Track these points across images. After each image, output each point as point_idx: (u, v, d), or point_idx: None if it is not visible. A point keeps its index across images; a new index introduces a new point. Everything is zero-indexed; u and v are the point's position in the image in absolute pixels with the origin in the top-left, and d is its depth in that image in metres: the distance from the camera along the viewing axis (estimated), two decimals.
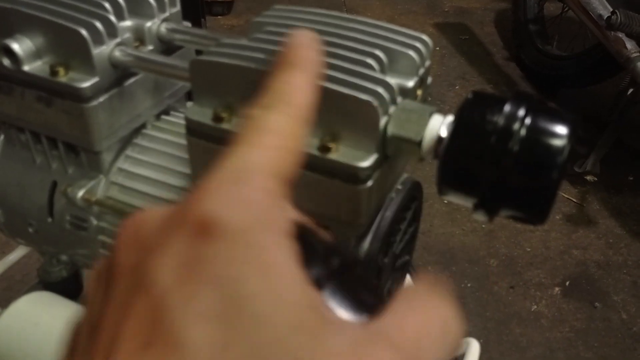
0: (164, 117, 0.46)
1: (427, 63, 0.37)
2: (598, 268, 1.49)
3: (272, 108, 0.22)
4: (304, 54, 0.25)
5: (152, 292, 0.17)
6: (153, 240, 0.18)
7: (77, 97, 0.38)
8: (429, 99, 0.40)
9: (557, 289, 1.43)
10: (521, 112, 0.29)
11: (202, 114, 0.34)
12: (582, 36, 1.96)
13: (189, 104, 0.47)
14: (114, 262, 0.19)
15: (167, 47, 0.44)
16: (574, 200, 1.69)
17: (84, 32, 0.37)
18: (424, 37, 0.37)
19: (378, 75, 0.32)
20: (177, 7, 0.44)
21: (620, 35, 1.54)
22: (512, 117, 0.29)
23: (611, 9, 1.57)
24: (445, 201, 1.57)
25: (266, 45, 0.34)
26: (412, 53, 0.35)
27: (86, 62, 0.38)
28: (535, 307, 1.38)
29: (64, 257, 0.50)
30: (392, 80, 0.34)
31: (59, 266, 0.53)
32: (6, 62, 0.39)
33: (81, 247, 0.46)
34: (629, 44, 1.53)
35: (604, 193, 1.71)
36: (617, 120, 1.65)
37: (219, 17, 2.74)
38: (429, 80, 0.38)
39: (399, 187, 0.40)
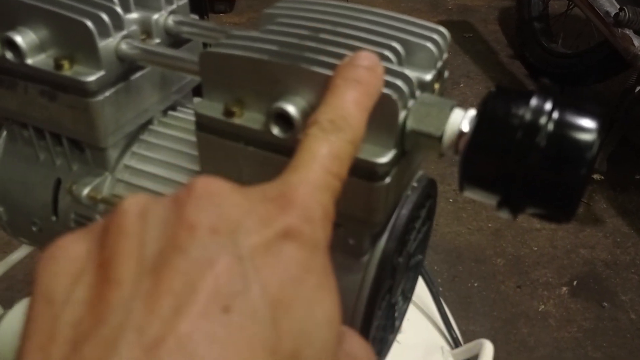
0: (170, 112, 0.45)
1: (445, 56, 0.36)
2: (606, 267, 1.48)
3: (332, 132, 0.24)
4: (369, 76, 0.27)
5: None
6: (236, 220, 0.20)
7: (82, 91, 0.37)
8: (445, 93, 0.39)
9: (564, 288, 1.42)
10: (548, 106, 0.28)
11: (213, 108, 0.33)
12: (588, 34, 1.95)
13: (197, 99, 0.46)
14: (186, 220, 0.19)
15: (174, 40, 0.42)
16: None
17: (89, 23, 0.36)
18: (441, 28, 0.35)
19: (396, 67, 0.31)
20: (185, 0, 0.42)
21: (628, 32, 1.52)
22: (538, 110, 0.27)
23: (619, 6, 1.55)
24: (451, 200, 1.56)
25: (278, 36, 0.33)
26: (430, 45, 0.34)
27: (92, 55, 0.36)
28: (543, 306, 1.37)
29: None
30: (410, 74, 0.33)
31: None
32: (9, 55, 0.37)
33: None
34: (637, 41, 1.51)
35: (610, 191, 1.70)
36: (623, 119, 1.64)
37: (221, 14, 2.73)
38: (446, 73, 0.37)
39: (415, 184, 0.38)
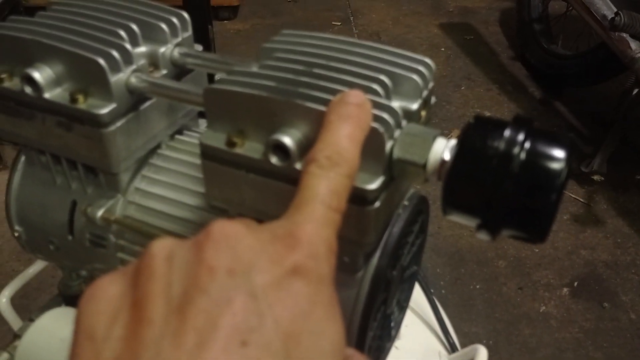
0: (178, 136, 0.48)
1: (431, 85, 0.38)
2: (606, 268, 1.50)
3: (330, 168, 0.26)
4: (359, 111, 0.29)
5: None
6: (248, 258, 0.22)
7: (96, 122, 0.40)
8: (433, 117, 0.41)
9: (565, 289, 1.44)
10: (520, 137, 0.30)
11: (216, 138, 0.36)
12: (587, 35, 1.97)
13: (202, 121, 0.49)
14: (205, 263, 0.22)
15: (179, 70, 0.45)
16: (581, 200, 1.69)
17: (101, 61, 0.39)
18: (427, 60, 0.38)
19: (383, 101, 0.34)
20: (189, 32, 0.45)
21: (625, 35, 1.54)
22: (512, 141, 0.30)
23: (615, 10, 1.57)
24: None
25: (275, 72, 0.36)
26: (415, 77, 0.36)
27: (104, 89, 0.39)
28: (544, 307, 1.39)
29: (83, 272, 0.52)
30: (397, 104, 0.35)
31: (78, 280, 0.55)
32: (28, 90, 0.40)
33: (100, 263, 0.48)
34: (634, 44, 1.53)
35: (611, 192, 1.72)
36: (622, 119, 1.66)
37: (225, 21, 2.77)
38: (433, 100, 0.40)
39: (406, 202, 0.41)
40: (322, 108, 0.33)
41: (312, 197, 0.25)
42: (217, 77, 0.39)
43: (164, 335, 0.20)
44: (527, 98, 2.17)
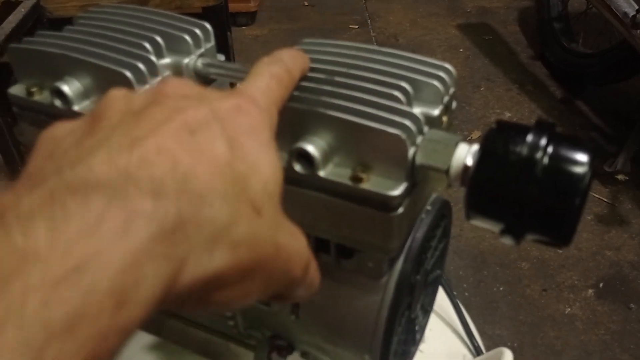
0: None
1: (452, 90, 0.39)
2: (632, 269, 1.48)
3: (272, 63, 0.31)
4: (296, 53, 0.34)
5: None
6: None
7: None
8: (455, 122, 0.41)
9: (590, 290, 1.42)
10: (543, 141, 0.30)
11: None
12: (609, 33, 1.94)
13: None
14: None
15: (203, 80, 0.46)
16: (605, 200, 1.67)
17: (127, 73, 0.39)
18: (447, 65, 0.38)
19: (405, 107, 0.34)
20: (212, 42, 0.46)
21: None
22: (534, 146, 0.30)
23: (637, 7, 1.55)
24: None
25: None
26: (436, 83, 0.37)
27: None
28: (569, 309, 1.38)
29: None
30: (418, 110, 0.36)
31: None
32: (57, 102, 0.42)
33: None
34: None
35: (635, 191, 1.69)
36: None
37: (244, 27, 2.79)
38: (454, 105, 0.40)
39: (429, 207, 0.41)
40: (344, 116, 0.33)
41: (255, 75, 0.29)
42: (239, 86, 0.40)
43: (117, 127, 0.22)
44: (547, 98, 2.14)
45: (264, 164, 0.24)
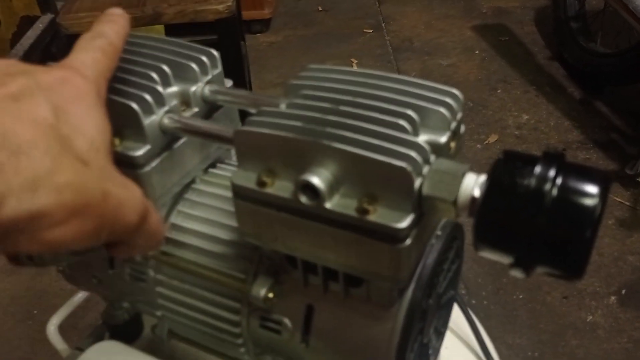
0: (212, 170, 0.49)
1: (459, 115, 0.38)
2: None
3: (95, 38, 0.35)
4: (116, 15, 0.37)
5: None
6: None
7: (132, 164, 0.41)
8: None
9: (612, 297, 1.40)
10: (552, 173, 0.30)
11: (247, 178, 0.37)
12: (627, 32, 1.91)
13: (234, 168, 0.49)
14: None
15: (210, 107, 0.46)
16: (627, 203, 1.64)
17: (134, 105, 0.40)
18: (454, 91, 0.38)
19: (411, 137, 0.34)
20: (219, 69, 0.46)
21: None
22: (543, 178, 0.30)
23: None
24: None
25: (302, 111, 0.36)
26: (443, 110, 0.36)
27: (138, 132, 0.41)
28: (591, 317, 1.35)
29: (125, 304, 0.54)
30: (425, 138, 0.35)
31: (121, 310, 0.57)
32: None
33: (141, 295, 0.49)
34: None
35: None
36: None
37: (258, 34, 2.80)
38: (462, 129, 0.39)
39: (439, 232, 0.41)
40: (350, 149, 0.33)
41: (79, 48, 0.33)
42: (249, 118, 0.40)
43: None
44: (566, 99, 2.11)
45: (90, 126, 0.29)
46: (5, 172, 0.24)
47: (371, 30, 2.75)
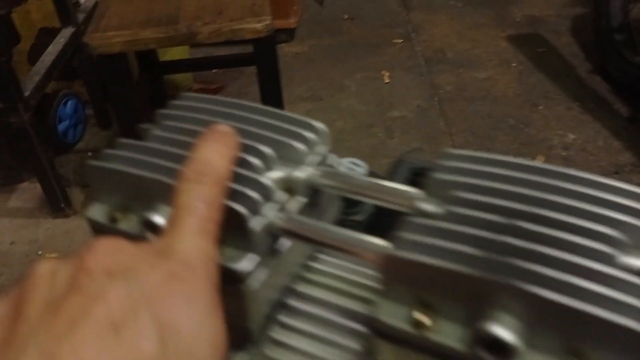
0: (311, 263, 0.40)
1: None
2: None
3: (197, 180, 0.28)
4: (222, 134, 0.32)
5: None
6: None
7: (234, 279, 0.33)
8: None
9: None
10: None
11: (396, 314, 0.28)
12: None
13: (336, 260, 0.41)
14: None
15: (315, 192, 0.38)
16: None
17: (240, 208, 0.31)
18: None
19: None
20: (327, 145, 0.38)
21: None
22: None
23: None
24: None
25: (470, 229, 0.28)
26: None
27: (242, 238, 0.32)
28: None
29: None
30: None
31: None
32: (148, 234, 0.34)
33: None
34: None
35: None
36: None
37: (283, 44, 2.72)
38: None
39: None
40: (549, 295, 0.24)
41: (184, 211, 0.27)
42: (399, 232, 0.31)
43: (38, 326, 0.22)
44: (613, 116, 2.01)
45: (201, 346, 0.24)
46: None
47: (401, 40, 2.66)
